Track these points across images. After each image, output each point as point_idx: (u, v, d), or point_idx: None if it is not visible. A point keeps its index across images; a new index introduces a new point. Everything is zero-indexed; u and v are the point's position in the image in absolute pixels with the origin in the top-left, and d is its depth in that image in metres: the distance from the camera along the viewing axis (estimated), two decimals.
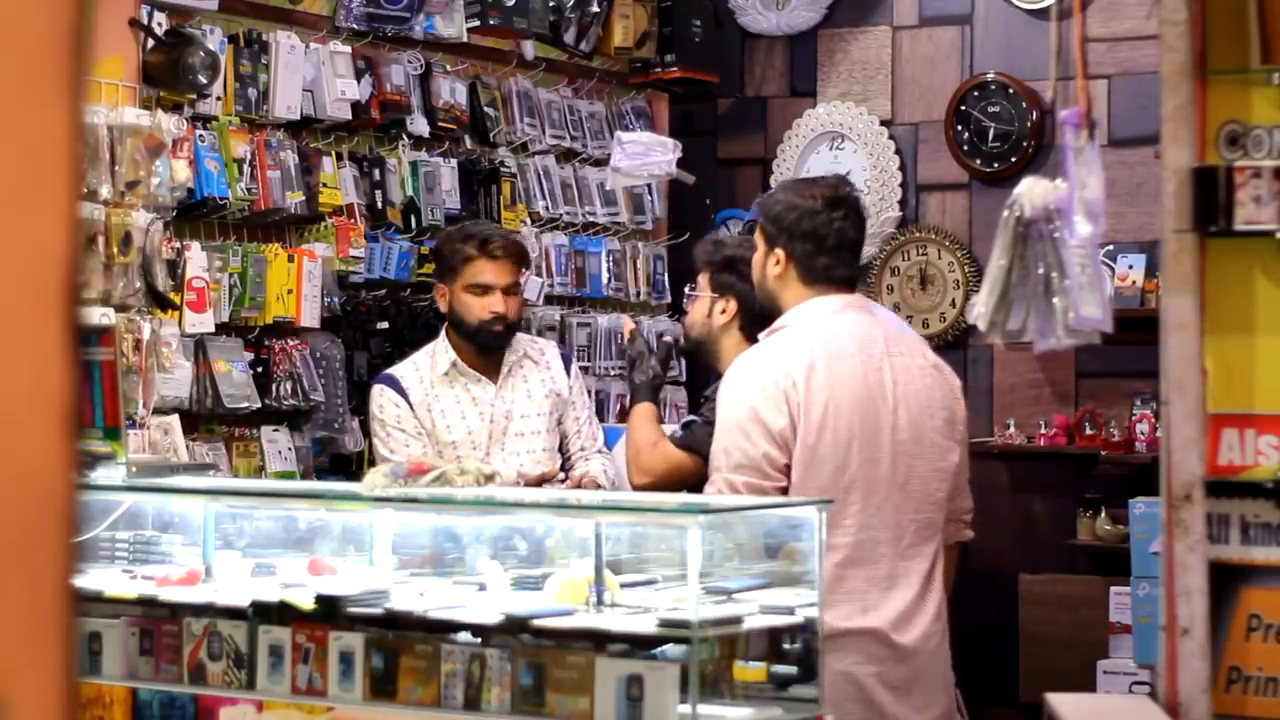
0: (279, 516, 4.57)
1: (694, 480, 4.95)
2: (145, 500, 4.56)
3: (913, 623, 4.35)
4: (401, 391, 5.66)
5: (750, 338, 4.96)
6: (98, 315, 5.53)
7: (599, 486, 5.60)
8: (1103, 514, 7.50)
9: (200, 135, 6.22)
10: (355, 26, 6.87)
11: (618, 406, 7.58)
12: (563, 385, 5.79)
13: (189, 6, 6.31)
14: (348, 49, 6.81)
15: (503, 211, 7.31)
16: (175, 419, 5.98)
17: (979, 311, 3.64)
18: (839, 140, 8.29)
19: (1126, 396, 7.54)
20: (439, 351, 5.71)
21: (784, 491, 4.32)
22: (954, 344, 7.89)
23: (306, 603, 4.03)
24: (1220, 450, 3.67)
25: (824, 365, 4.37)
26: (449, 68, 7.30)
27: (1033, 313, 3.58)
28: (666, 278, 8.11)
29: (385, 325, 6.86)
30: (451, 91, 7.24)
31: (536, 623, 3.80)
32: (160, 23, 6.16)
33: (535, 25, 7.42)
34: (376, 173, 6.92)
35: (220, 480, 5.56)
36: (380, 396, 5.70)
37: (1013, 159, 7.89)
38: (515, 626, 3.81)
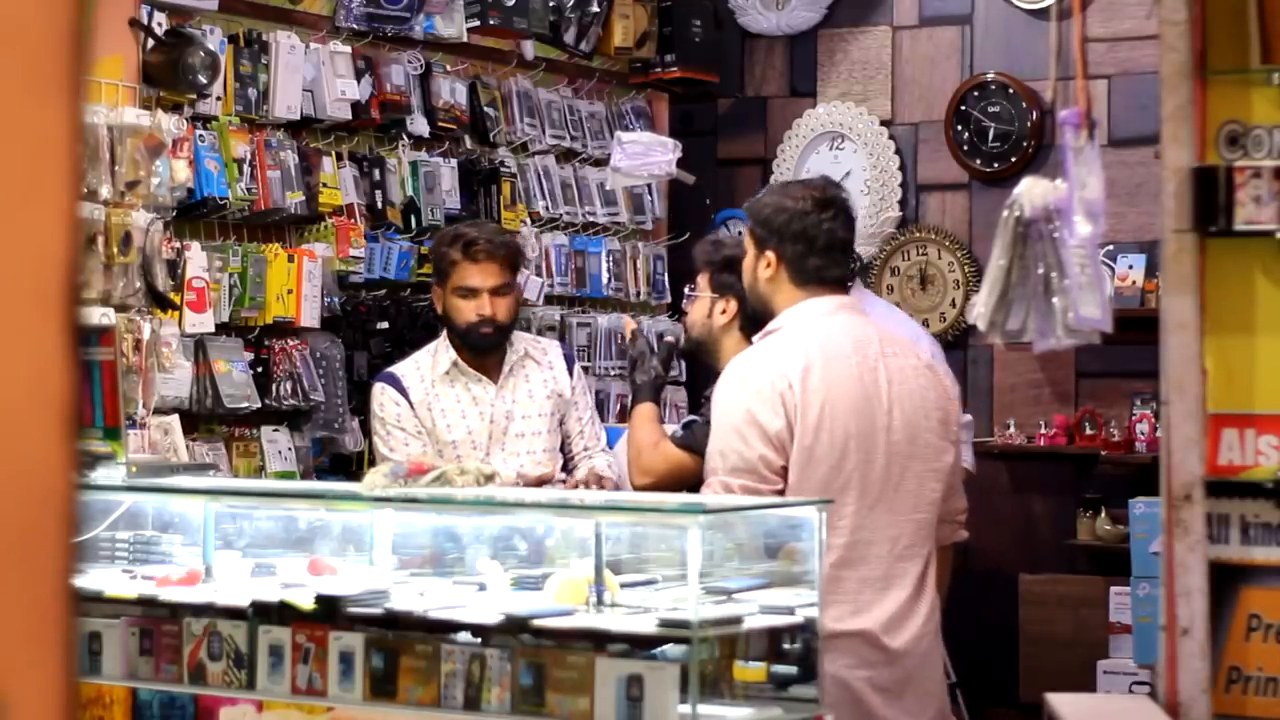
0: (279, 516, 4.57)
1: (695, 480, 4.94)
2: (145, 500, 4.56)
3: (904, 625, 4.34)
4: (402, 390, 5.66)
5: (751, 338, 4.96)
6: (98, 315, 5.53)
7: (605, 482, 5.59)
8: (1103, 514, 7.50)
9: (200, 135, 6.22)
10: (355, 26, 6.87)
11: (618, 406, 7.58)
12: (565, 385, 5.78)
13: (189, 6, 6.31)
14: (348, 49, 6.81)
15: (503, 211, 7.31)
16: (175, 419, 5.98)
17: (979, 311, 3.64)
18: (839, 140, 8.29)
19: (1126, 396, 7.54)
20: (440, 351, 5.70)
21: (780, 494, 4.32)
22: (954, 344, 7.89)
23: (306, 603, 4.03)
24: (1220, 450, 3.67)
25: (819, 366, 4.36)
26: (449, 68, 7.30)
27: (1033, 313, 3.58)
28: (666, 278, 8.11)
29: (385, 325, 6.86)
30: (451, 91, 7.24)
31: (536, 623, 3.80)
32: (160, 23, 6.16)
33: (535, 25, 7.42)
34: (376, 173, 6.92)
35: (220, 480, 5.56)
36: (381, 395, 5.70)
37: (1013, 159, 7.89)
38: (515, 626, 3.81)
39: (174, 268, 6.03)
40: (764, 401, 4.33)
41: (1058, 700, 3.83)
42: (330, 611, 4.00)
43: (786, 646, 3.91)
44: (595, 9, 7.76)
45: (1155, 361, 3.67)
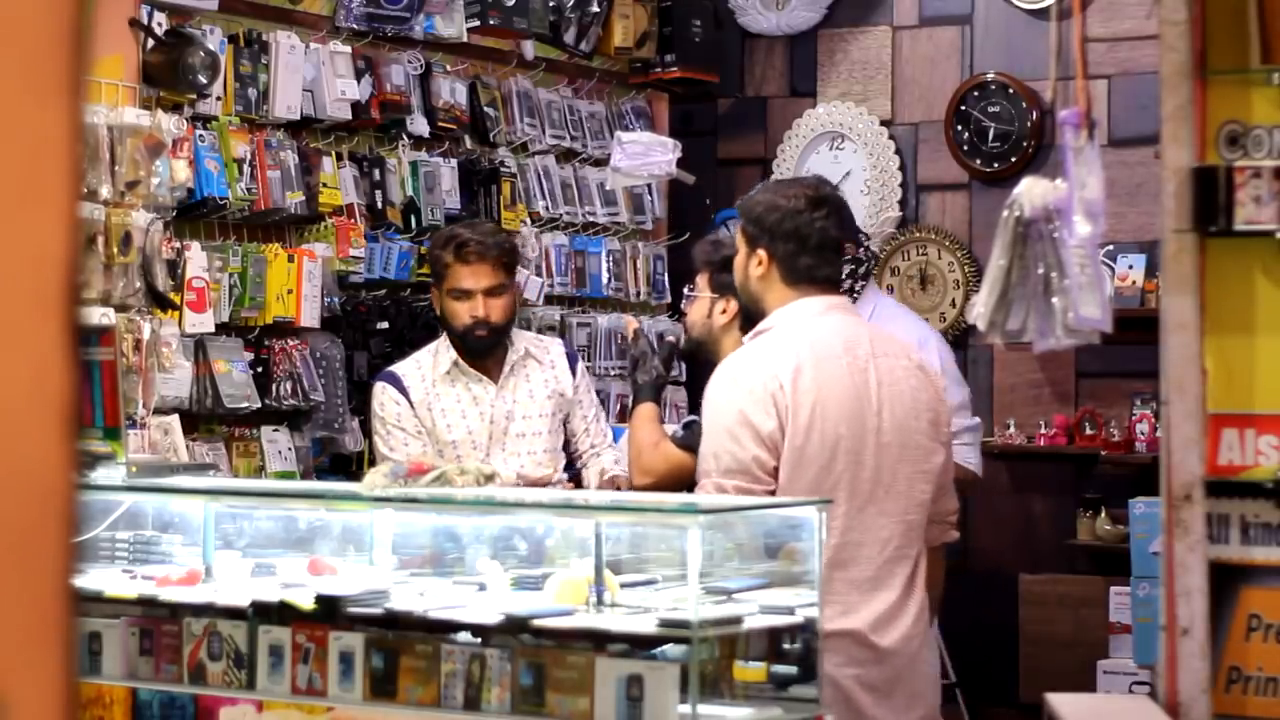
0: (279, 516, 4.57)
1: (696, 480, 4.94)
2: (145, 500, 4.56)
3: (893, 625, 4.33)
4: (402, 389, 5.66)
5: None
6: (98, 315, 5.53)
7: (619, 481, 5.58)
8: (1103, 514, 7.50)
9: (200, 135, 6.22)
10: (355, 26, 6.88)
11: (618, 406, 7.58)
12: (567, 385, 5.77)
13: (189, 6, 6.31)
14: (348, 49, 6.81)
15: (503, 211, 7.31)
16: (175, 419, 5.98)
17: (979, 311, 3.64)
18: (839, 140, 8.29)
19: (1126, 396, 7.54)
20: (441, 350, 5.70)
21: (772, 494, 4.31)
22: (954, 344, 7.88)
23: (306, 603, 4.03)
24: (1220, 450, 3.67)
25: (810, 367, 4.35)
26: (449, 68, 7.30)
27: (1032, 313, 3.58)
28: (666, 278, 8.12)
29: (385, 325, 6.86)
30: (451, 91, 7.24)
31: (536, 623, 3.80)
32: (160, 23, 6.16)
33: (535, 25, 7.42)
34: (376, 173, 6.92)
35: (220, 480, 5.56)
36: (381, 394, 5.69)
37: (1013, 159, 7.89)
38: (515, 626, 3.81)
39: (174, 268, 6.03)
40: (756, 402, 4.32)
41: (1058, 700, 3.83)
42: (330, 611, 4.00)
43: (786, 646, 3.91)
44: (595, 9, 7.76)
45: (1155, 361, 3.67)
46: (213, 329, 6.22)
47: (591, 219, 7.85)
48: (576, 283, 7.72)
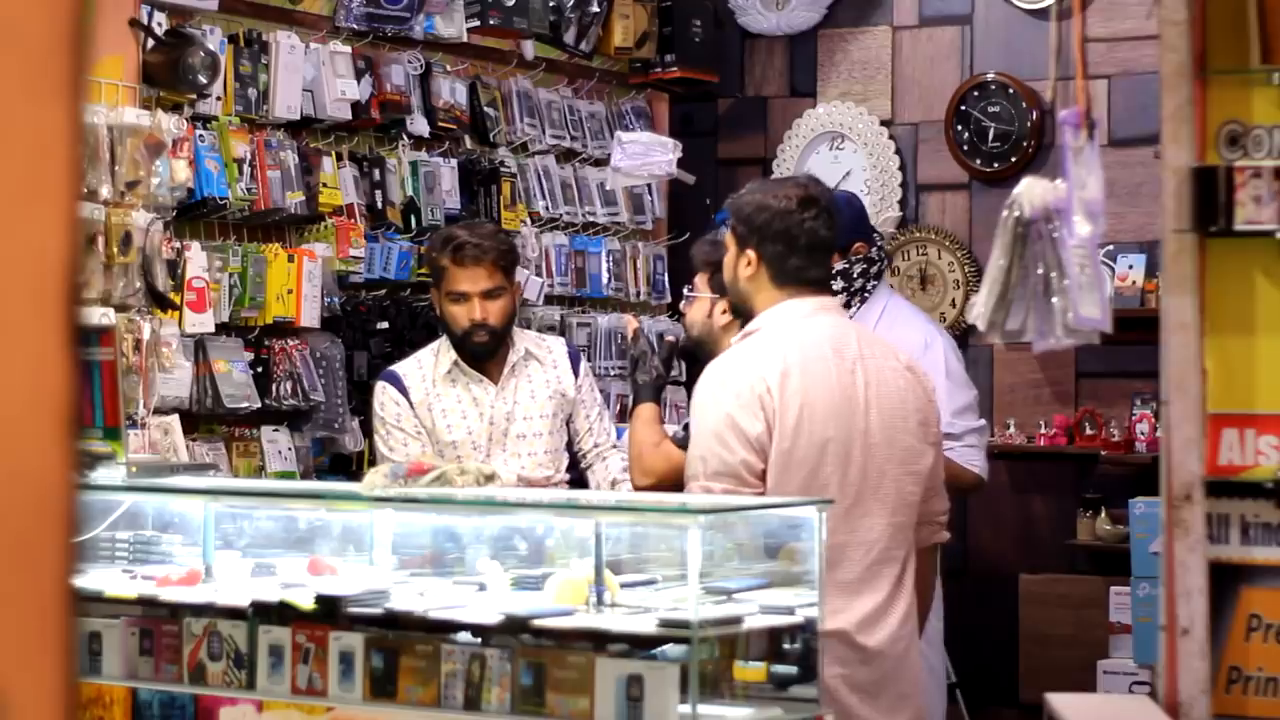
0: (279, 516, 4.57)
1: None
2: (145, 500, 4.56)
3: (880, 625, 4.31)
4: (403, 389, 5.65)
5: None
6: (98, 315, 5.53)
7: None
8: (1103, 514, 7.50)
9: (200, 135, 6.22)
10: (355, 26, 6.87)
11: (618, 406, 7.58)
12: (569, 385, 5.76)
13: (189, 6, 6.31)
14: (348, 49, 6.81)
15: (503, 211, 7.31)
16: (175, 419, 5.98)
17: (979, 311, 3.63)
18: (839, 140, 8.29)
19: (1126, 396, 7.54)
20: (442, 350, 5.69)
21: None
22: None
23: (306, 603, 4.03)
24: (1220, 450, 3.67)
25: (798, 369, 4.33)
26: (449, 68, 7.30)
27: (1032, 313, 3.57)
28: (666, 278, 8.11)
29: (385, 325, 6.86)
30: (451, 91, 7.24)
31: (536, 623, 3.80)
32: (160, 23, 6.16)
33: (535, 25, 7.42)
34: (376, 173, 6.92)
35: (220, 480, 5.56)
36: (382, 394, 5.69)
37: (1013, 159, 7.89)
38: (515, 626, 3.81)
39: (174, 268, 6.03)
40: (743, 406, 4.31)
41: (1058, 700, 3.83)
42: (330, 611, 4.00)
43: (786, 646, 3.91)
44: (595, 9, 7.76)
45: (1155, 361, 3.67)
46: (213, 329, 6.22)
47: (591, 219, 7.85)
48: (576, 283, 7.72)
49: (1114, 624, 6.94)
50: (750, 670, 3.85)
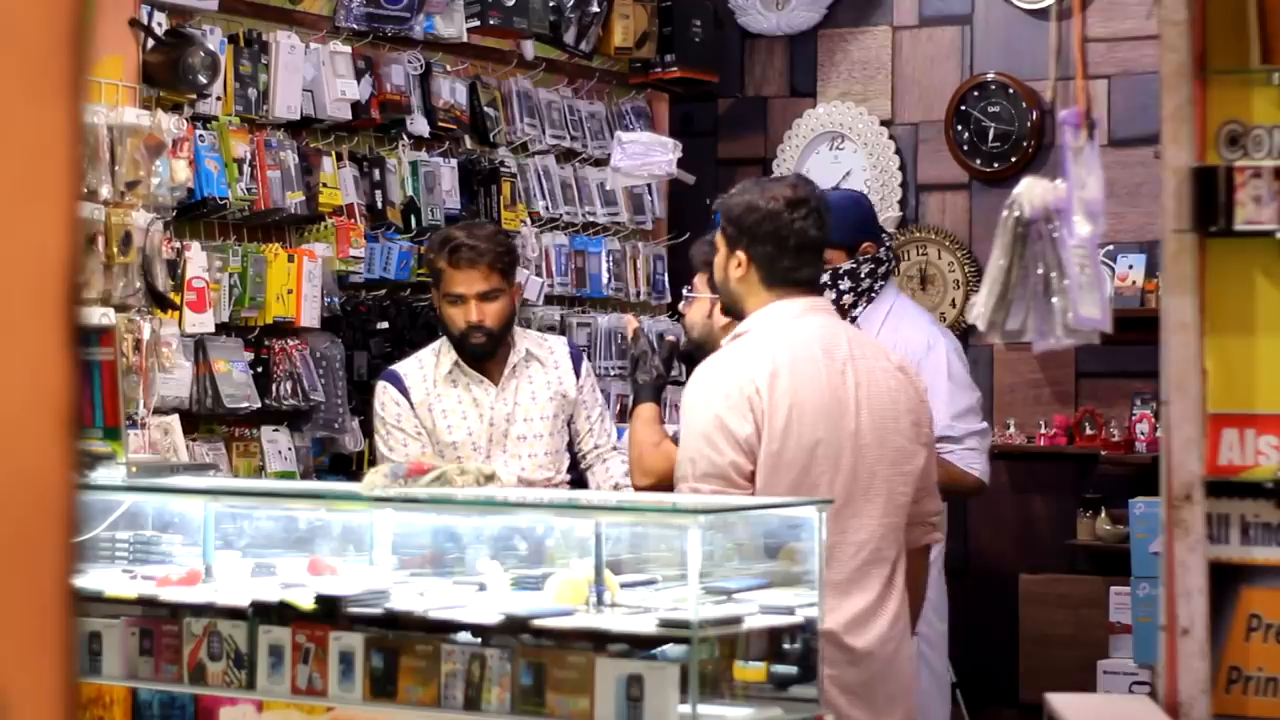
0: (279, 516, 4.57)
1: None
2: (145, 500, 4.56)
3: (869, 626, 4.30)
4: (403, 389, 5.65)
5: None
6: (98, 315, 5.53)
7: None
8: (1103, 514, 7.50)
9: (200, 135, 6.22)
10: (355, 26, 6.87)
11: (618, 406, 7.58)
12: (570, 386, 5.75)
13: (189, 6, 6.31)
14: (348, 49, 6.81)
15: (503, 211, 7.31)
16: (175, 419, 5.98)
17: (979, 311, 3.63)
18: (839, 140, 8.29)
19: (1126, 396, 7.54)
20: (443, 350, 5.68)
21: None
22: None
23: (306, 603, 4.03)
24: (1220, 450, 3.67)
25: (787, 370, 4.32)
26: (449, 68, 7.30)
27: (1032, 313, 3.57)
28: (666, 278, 8.12)
29: (385, 325, 6.86)
30: (451, 91, 7.24)
31: (536, 623, 3.80)
32: (160, 23, 6.16)
33: (535, 25, 7.42)
34: (376, 173, 6.92)
35: (220, 480, 5.56)
36: (383, 394, 5.69)
37: (1013, 159, 7.89)
38: (515, 626, 3.81)
39: (174, 268, 6.03)
40: (732, 407, 4.30)
41: (1058, 700, 3.83)
42: (330, 611, 4.00)
43: (786, 646, 3.91)
44: (595, 9, 7.76)
45: (1155, 361, 3.67)
46: (213, 329, 6.22)
47: (591, 219, 7.85)
48: (576, 283, 7.72)
49: (1114, 624, 6.94)
50: (750, 670, 3.85)
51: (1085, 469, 7.69)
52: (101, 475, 4.41)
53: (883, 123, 8.21)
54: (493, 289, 5.56)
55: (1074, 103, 3.67)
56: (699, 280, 5.36)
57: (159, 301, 5.92)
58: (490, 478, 4.21)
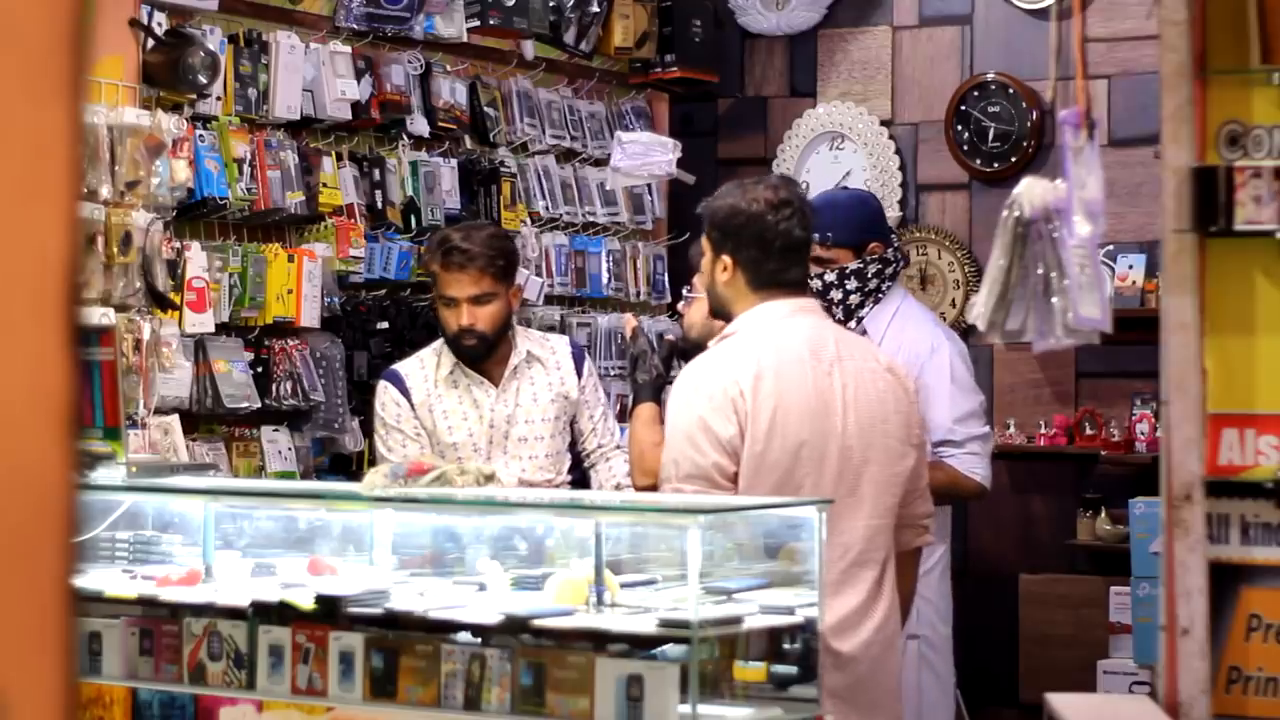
0: (279, 516, 4.57)
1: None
2: (145, 500, 4.56)
3: (855, 631, 4.28)
4: (404, 390, 5.65)
5: None
6: (98, 315, 5.53)
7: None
8: (1103, 514, 7.50)
9: (200, 135, 6.22)
10: (355, 26, 6.87)
11: (617, 407, 7.58)
12: (572, 386, 5.74)
13: (189, 6, 6.30)
14: (348, 49, 6.81)
15: (503, 211, 7.30)
16: (175, 419, 5.98)
17: (979, 311, 3.63)
18: (839, 140, 8.29)
19: (1126, 396, 7.54)
20: (444, 351, 5.68)
21: None
22: None
23: (306, 603, 4.03)
24: (1220, 450, 3.67)
25: (772, 372, 4.31)
26: (449, 68, 7.30)
27: (1032, 313, 3.57)
28: (666, 278, 8.12)
29: (385, 325, 6.86)
30: (451, 91, 7.24)
31: (536, 623, 3.81)
32: (160, 23, 6.16)
33: (535, 25, 7.42)
34: (376, 173, 6.92)
35: (220, 480, 5.56)
36: (384, 394, 5.69)
37: (1013, 159, 7.89)
38: (515, 626, 3.81)
39: (174, 268, 6.03)
40: (716, 409, 4.30)
41: (1058, 700, 3.83)
42: (330, 611, 4.00)
43: (786, 646, 3.91)
44: (595, 9, 7.76)
45: (1155, 361, 3.67)
46: (213, 329, 6.22)
47: (591, 219, 7.85)
48: (576, 283, 7.72)
49: (1114, 624, 6.94)
50: (750, 670, 3.85)
51: (1085, 469, 7.69)
52: (101, 475, 4.41)
53: (883, 123, 8.20)
54: (484, 293, 5.54)
55: (1074, 103, 3.67)
56: (699, 280, 5.36)
57: (159, 301, 5.92)
58: (490, 478, 4.21)
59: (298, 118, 6.59)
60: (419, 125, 7.07)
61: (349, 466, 6.69)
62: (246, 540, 4.51)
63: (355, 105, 6.78)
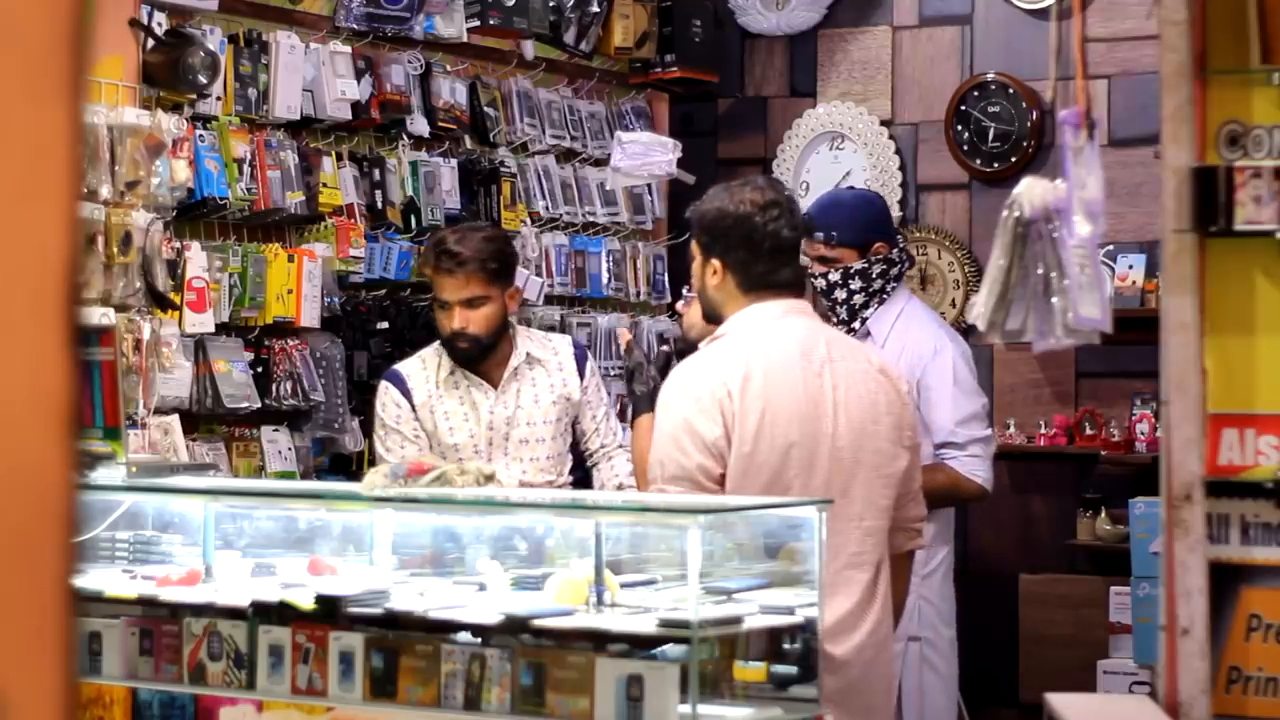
0: (279, 516, 4.57)
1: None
2: (145, 500, 4.56)
3: (847, 634, 4.25)
4: (406, 391, 5.64)
5: None
6: (98, 315, 5.53)
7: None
8: (1103, 514, 7.50)
9: (200, 135, 6.22)
10: (355, 26, 6.87)
11: (617, 407, 7.58)
12: (574, 387, 5.73)
13: (189, 6, 6.31)
14: (348, 49, 6.81)
15: (503, 211, 7.31)
16: (175, 419, 5.98)
17: (979, 311, 3.63)
18: (839, 140, 8.29)
19: (1126, 396, 7.54)
20: (445, 352, 5.68)
21: None
22: None
23: (306, 603, 4.03)
24: (1220, 450, 3.67)
25: (760, 374, 4.29)
26: (449, 68, 7.30)
27: (1032, 313, 3.57)
28: (666, 278, 8.12)
29: (385, 325, 6.86)
30: (451, 91, 7.24)
31: (536, 623, 3.80)
32: (160, 23, 6.16)
33: (535, 25, 7.42)
34: (376, 173, 6.92)
35: (220, 480, 5.56)
36: (384, 395, 5.68)
37: (1013, 159, 7.89)
38: (515, 626, 3.81)
39: (174, 268, 6.03)
40: (702, 411, 4.28)
41: (1058, 700, 3.83)
42: (330, 611, 4.00)
43: (786, 646, 3.91)
44: (595, 9, 7.76)
45: (1155, 361, 3.67)
46: (213, 329, 6.22)
47: (591, 219, 7.85)
48: (576, 283, 7.72)
49: (1114, 624, 6.94)
50: (750, 670, 3.85)
51: (1085, 469, 7.69)
52: (101, 475, 4.41)
53: (883, 123, 8.20)
54: (476, 296, 5.53)
55: (1074, 103, 3.67)
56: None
57: (159, 301, 5.92)
58: (490, 477, 4.21)
59: (298, 118, 6.59)
60: (419, 125, 7.07)
61: (349, 466, 6.69)
62: (246, 540, 4.51)
63: (355, 105, 6.78)
